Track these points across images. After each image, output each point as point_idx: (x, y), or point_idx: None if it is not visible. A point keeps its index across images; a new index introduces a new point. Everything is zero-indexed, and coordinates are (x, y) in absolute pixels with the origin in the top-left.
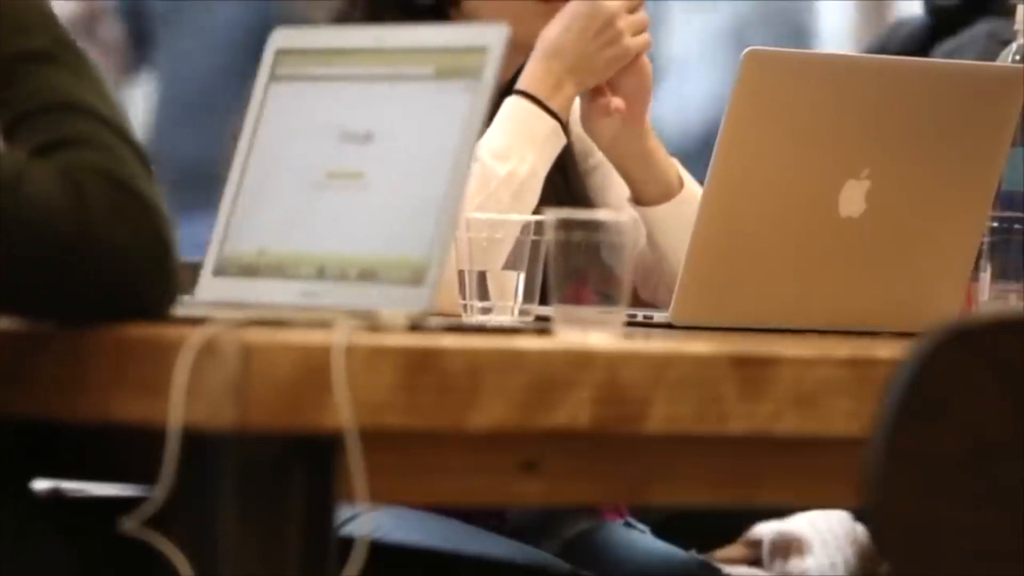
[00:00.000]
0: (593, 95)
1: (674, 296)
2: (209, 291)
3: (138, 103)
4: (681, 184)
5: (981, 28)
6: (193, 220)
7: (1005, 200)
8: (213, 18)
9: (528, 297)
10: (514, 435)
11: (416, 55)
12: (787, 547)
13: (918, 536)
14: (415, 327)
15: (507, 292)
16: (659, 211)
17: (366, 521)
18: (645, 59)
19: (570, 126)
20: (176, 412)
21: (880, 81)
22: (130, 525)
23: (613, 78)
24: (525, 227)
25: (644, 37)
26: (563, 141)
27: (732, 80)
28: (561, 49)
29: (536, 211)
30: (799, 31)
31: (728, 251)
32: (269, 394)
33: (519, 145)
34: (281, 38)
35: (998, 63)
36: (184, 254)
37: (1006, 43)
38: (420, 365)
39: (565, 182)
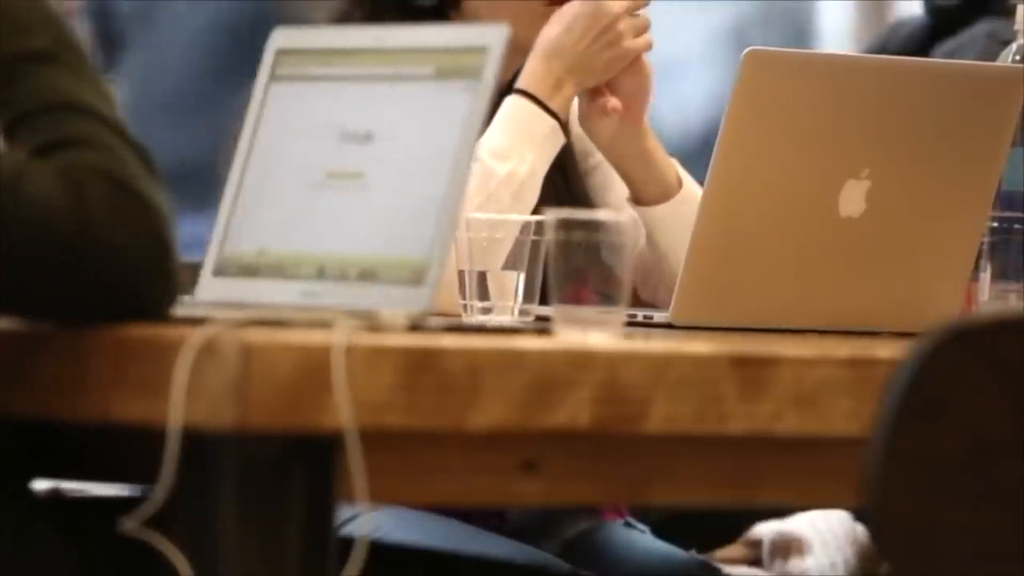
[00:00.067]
0: (592, 95)
1: (674, 296)
2: (209, 291)
3: None
4: (680, 184)
5: (981, 28)
6: None
7: (1005, 200)
8: (183, 18)
9: (528, 297)
10: (514, 435)
11: (416, 55)
12: (787, 547)
13: (918, 536)
14: (415, 327)
15: (507, 292)
16: (658, 211)
17: (366, 521)
18: (645, 60)
19: (570, 126)
20: (176, 412)
21: (880, 81)
22: (130, 525)
23: (613, 78)
24: (525, 227)
25: (645, 38)
26: (563, 141)
27: (732, 80)
28: (561, 49)
29: (536, 211)
30: (799, 31)
31: (728, 251)
32: (269, 394)
33: (519, 145)
34: (281, 38)
35: (998, 63)
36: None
37: (1006, 43)
38: (420, 365)
39: (565, 182)
